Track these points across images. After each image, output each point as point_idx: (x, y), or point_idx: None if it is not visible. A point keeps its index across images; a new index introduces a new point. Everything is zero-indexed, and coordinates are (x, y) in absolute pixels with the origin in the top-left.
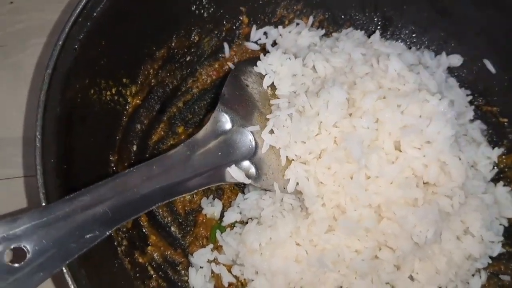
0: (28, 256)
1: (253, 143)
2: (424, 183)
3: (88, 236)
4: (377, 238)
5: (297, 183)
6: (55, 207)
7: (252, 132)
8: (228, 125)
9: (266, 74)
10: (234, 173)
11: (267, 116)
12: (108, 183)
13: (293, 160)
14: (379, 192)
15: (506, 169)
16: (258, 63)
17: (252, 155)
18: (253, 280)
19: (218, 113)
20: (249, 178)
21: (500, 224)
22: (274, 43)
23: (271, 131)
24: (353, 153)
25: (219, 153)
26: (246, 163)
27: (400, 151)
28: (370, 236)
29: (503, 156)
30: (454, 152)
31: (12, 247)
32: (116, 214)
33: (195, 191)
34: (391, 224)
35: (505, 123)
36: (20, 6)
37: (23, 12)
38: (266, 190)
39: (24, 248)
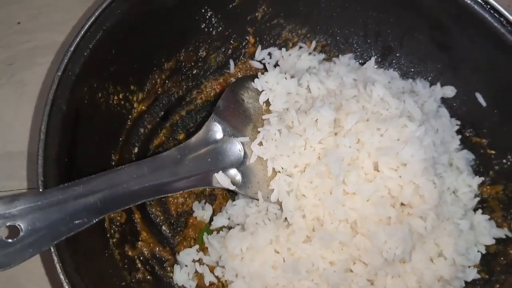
0: (21, 234)
1: (242, 153)
2: (401, 204)
3: (76, 222)
4: (351, 252)
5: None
6: (50, 193)
7: (242, 143)
8: (219, 134)
9: (262, 91)
10: (221, 179)
11: (258, 129)
12: (101, 177)
13: (279, 172)
14: (355, 208)
15: (489, 199)
16: (256, 80)
17: (240, 163)
18: (232, 282)
19: (210, 123)
20: (234, 185)
21: (478, 251)
22: (277, 64)
23: (260, 143)
24: (332, 169)
25: (209, 159)
26: (233, 171)
27: (378, 171)
28: (345, 250)
29: (488, 186)
30: (428, 176)
31: (7, 224)
32: (105, 205)
33: (182, 191)
34: (364, 240)
35: (492, 155)
36: (27, 27)
37: (30, 32)
38: (251, 198)
39: (18, 227)
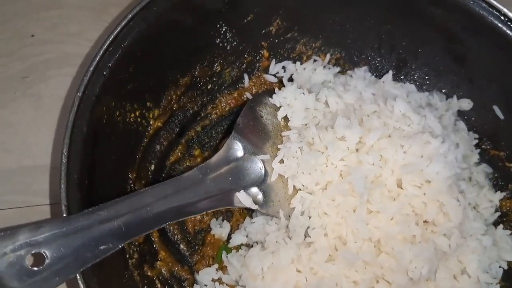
0: (47, 261)
1: (263, 171)
2: (424, 221)
3: (102, 247)
4: (374, 271)
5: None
6: (75, 219)
7: (262, 160)
8: (240, 153)
9: (280, 106)
10: (243, 198)
11: (278, 146)
12: (125, 200)
13: (300, 189)
14: (379, 226)
15: (510, 213)
16: (274, 95)
17: (261, 182)
18: None
19: (231, 141)
20: (256, 204)
21: (500, 267)
22: (291, 78)
23: (281, 161)
24: (356, 187)
25: (230, 178)
26: (254, 190)
27: (402, 188)
28: (368, 269)
29: (507, 200)
30: (452, 193)
31: (33, 252)
32: (130, 229)
33: (204, 212)
34: (388, 259)
35: (511, 168)
36: (41, 39)
37: (44, 44)
38: (272, 216)
39: (44, 254)
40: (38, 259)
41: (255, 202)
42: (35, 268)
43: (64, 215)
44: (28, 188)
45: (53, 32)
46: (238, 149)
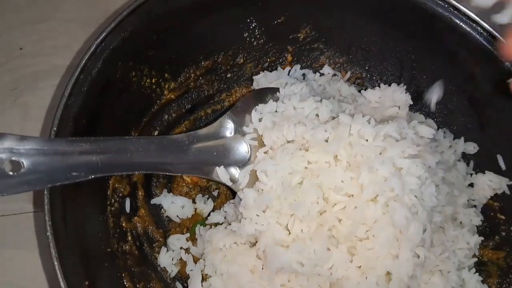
0: (22, 170)
1: (248, 155)
2: None
3: (74, 173)
4: (326, 280)
5: None
6: (58, 142)
7: (250, 146)
8: (230, 132)
9: None
10: (221, 173)
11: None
12: (109, 141)
13: None
14: (337, 237)
15: (489, 264)
16: (281, 89)
17: (243, 164)
18: (211, 277)
19: (224, 119)
20: (232, 182)
21: None
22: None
23: (266, 152)
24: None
25: (215, 153)
26: (234, 169)
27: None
28: (319, 279)
29: (490, 250)
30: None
31: (12, 159)
32: (105, 167)
33: (180, 174)
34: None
35: (501, 220)
36: (29, 52)
37: (33, 57)
38: None
39: (21, 164)
40: (15, 166)
41: (232, 180)
42: (10, 173)
43: (51, 137)
44: (17, 196)
45: (42, 45)
46: (229, 129)
